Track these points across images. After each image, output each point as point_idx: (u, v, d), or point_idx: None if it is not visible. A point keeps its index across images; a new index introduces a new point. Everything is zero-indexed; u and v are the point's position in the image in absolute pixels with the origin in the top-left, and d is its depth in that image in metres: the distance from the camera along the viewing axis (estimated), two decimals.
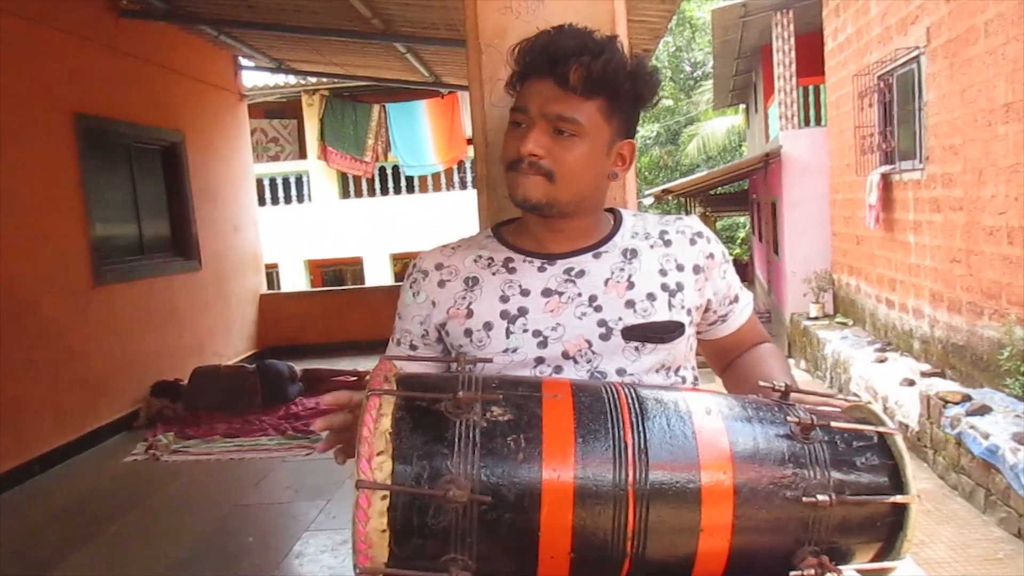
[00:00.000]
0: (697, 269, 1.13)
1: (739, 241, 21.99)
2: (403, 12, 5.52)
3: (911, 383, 6.08)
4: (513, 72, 1.10)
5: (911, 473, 0.83)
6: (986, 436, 4.58)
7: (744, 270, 17.45)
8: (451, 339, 1.12)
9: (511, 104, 1.09)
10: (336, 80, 9.55)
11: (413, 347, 1.17)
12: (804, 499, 0.79)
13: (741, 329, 1.22)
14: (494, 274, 1.12)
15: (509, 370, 1.07)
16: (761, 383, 0.93)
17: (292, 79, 10.52)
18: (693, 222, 1.18)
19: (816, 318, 9.48)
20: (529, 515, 0.76)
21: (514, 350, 1.06)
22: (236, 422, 5.05)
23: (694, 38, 23.36)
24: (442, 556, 0.76)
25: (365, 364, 6.43)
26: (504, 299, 1.09)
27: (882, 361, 7.04)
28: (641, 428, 0.80)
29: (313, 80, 10.44)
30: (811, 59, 10.22)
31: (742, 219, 20.74)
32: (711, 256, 1.15)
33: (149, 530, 3.54)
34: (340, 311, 7.95)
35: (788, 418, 0.83)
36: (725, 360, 1.26)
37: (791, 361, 7.71)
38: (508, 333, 1.07)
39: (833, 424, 0.83)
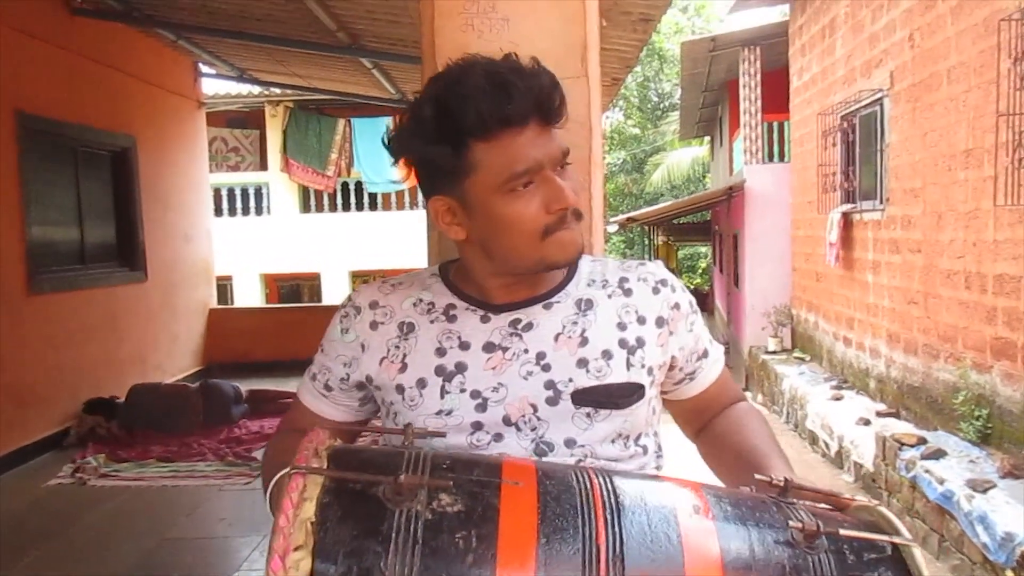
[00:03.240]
0: (660, 322, 0.99)
1: (700, 271, 22.19)
2: (369, 26, 5.38)
3: (867, 422, 6.07)
4: (450, 129, 0.87)
5: None
6: (941, 481, 4.55)
7: (704, 300, 17.55)
8: (382, 393, 0.98)
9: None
10: (300, 92, 9.36)
11: (328, 388, 1.02)
12: None
13: (711, 388, 1.09)
14: (432, 322, 0.97)
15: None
16: (758, 476, 0.79)
17: (256, 88, 10.28)
18: (657, 269, 1.04)
19: (774, 352, 9.50)
20: None
21: (448, 412, 0.92)
22: (173, 444, 4.78)
23: (662, 69, 23.69)
24: None
25: None
26: (440, 352, 0.95)
27: (838, 399, 7.04)
28: (617, 528, 0.66)
29: (277, 91, 10.23)
30: (777, 95, 10.35)
31: (704, 249, 20.95)
32: (676, 307, 1.01)
33: (66, 564, 3.28)
34: (293, 329, 7.68)
35: (790, 523, 0.70)
36: (697, 423, 1.12)
37: (748, 394, 7.68)
38: (443, 392, 0.93)
39: (842, 532, 0.70)
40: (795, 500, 0.77)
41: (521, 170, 0.88)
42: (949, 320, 5.49)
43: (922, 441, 5.17)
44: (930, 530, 4.68)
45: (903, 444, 5.19)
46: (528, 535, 0.65)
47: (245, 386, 5.76)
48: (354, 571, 0.61)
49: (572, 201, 0.89)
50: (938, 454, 4.88)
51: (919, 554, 0.71)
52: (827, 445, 6.61)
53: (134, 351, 6.12)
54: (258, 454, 4.62)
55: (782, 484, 0.77)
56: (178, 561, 3.29)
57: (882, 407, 6.50)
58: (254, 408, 5.58)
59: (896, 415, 6.25)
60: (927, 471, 4.73)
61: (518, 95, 0.85)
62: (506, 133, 0.86)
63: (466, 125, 0.86)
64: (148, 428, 5.04)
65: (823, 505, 0.81)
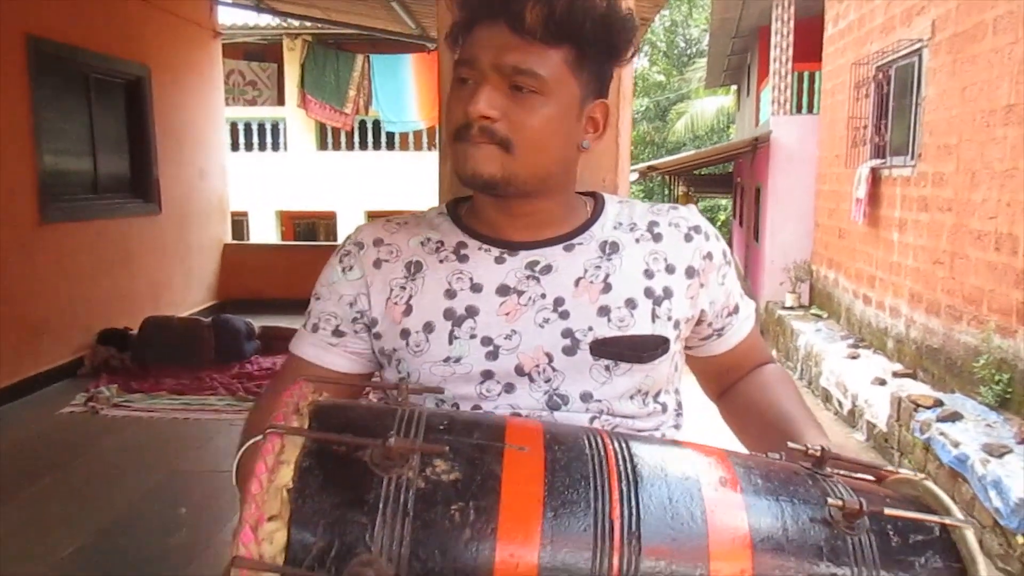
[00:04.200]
0: (691, 272, 0.91)
1: (719, 224, 21.93)
2: None
3: (882, 382, 6.00)
4: (456, 19, 0.86)
5: None
6: (956, 444, 4.49)
7: None
8: (382, 342, 0.89)
9: None
10: (319, 25, 9.11)
11: (339, 333, 0.92)
12: None
13: (740, 346, 1.00)
14: (441, 261, 0.89)
15: (450, 384, 0.84)
16: (791, 445, 0.71)
17: (274, 21, 10.04)
18: (690, 214, 0.95)
19: (791, 308, 9.40)
20: None
21: (457, 360, 0.84)
22: (185, 378, 4.80)
23: (691, 14, 22.98)
24: None
25: None
26: (450, 294, 0.87)
27: (854, 358, 6.96)
28: (634, 501, 0.59)
29: (296, 24, 9.98)
30: (809, 44, 9.99)
31: (724, 202, 20.66)
32: (709, 256, 0.92)
33: (77, 492, 3.30)
34: (307, 267, 7.49)
35: (828, 499, 0.62)
36: (721, 383, 1.04)
37: None
38: (452, 338, 0.85)
39: (886, 511, 0.62)
40: (832, 472, 0.69)
41: (461, 58, 0.85)
42: (975, 282, 5.35)
43: (938, 403, 5.09)
44: None
45: (919, 405, 5.12)
46: (533, 508, 0.57)
47: (258, 323, 5.75)
48: (335, 545, 0.54)
49: (476, 111, 0.80)
50: (954, 417, 4.81)
51: (972, 536, 0.63)
52: (840, 404, 6.56)
53: (147, 284, 6.11)
54: None
55: (818, 454, 0.70)
56: (187, 493, 3.30)
57: (899, 367, 6.42)
58: (266, 345, 5.57)
59: (913, 376, 6.17)
60: (942, 433, 4.67)
61: None
62: (475, 26, 0.84)
63: (463, 16, 0.86)
64: (160, 361, 5.05)
65: (862, 476, 0.73)
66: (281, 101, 12.00)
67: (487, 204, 0.90)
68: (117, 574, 2.66)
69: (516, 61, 0.80)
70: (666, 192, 17.95)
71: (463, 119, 0.82)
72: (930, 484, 0.68)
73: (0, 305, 4.41)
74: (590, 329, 0.85)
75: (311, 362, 0.93)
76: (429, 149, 11.76)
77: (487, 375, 0.85)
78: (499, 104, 0.81)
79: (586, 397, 0.85)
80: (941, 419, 4.83)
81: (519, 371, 0.85)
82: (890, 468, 0.73)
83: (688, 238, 0.92)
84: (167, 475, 3.47)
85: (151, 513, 3.11)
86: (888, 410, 5.59)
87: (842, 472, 0.71)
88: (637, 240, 0.91)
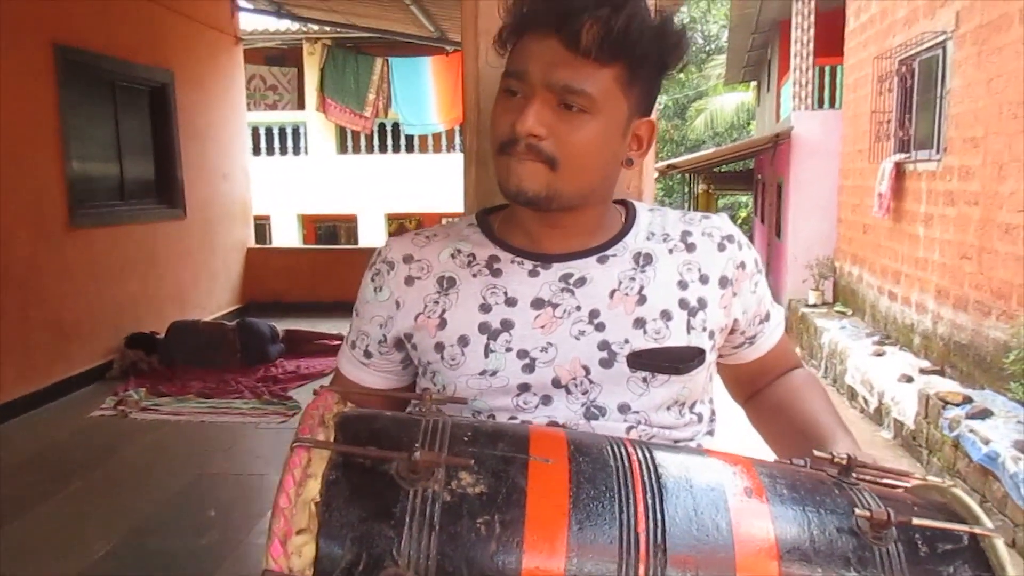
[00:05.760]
0: (724, 282, 0.91)
1: (740, 221, 21.75)
2: None
3: (909, 379, 5.92)
4: (505, 24, 0.85)
5: None
6: (986, 441, 4.42)
7: None
8: (419, 353, 0.90)
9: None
10: (339, 29, 9.18)
11: (368, 354, 0.95)
12: None
13: (771, 353, 1.01)
14: (474, 275, 0.89)
15: (487, 397, 0.85)
16: (817, 452, 0.71)
17: (294, 25, 10.13)
18: (722, 223, 0.95)
19: (815, 305, 9.30)
20: None
21: (493, 373, 0.85)
22: (211, 381, 4.86)
23: (709, 10, 22.82)
24: None
25: None
26: (485, 308, 0.87)
27: (880, 355, 6.87)
28: (659, 513, 0.59)
29: (315, 28, 10.05)
30: (830, 38, 9.88)
31: (744, 198, 20.49)
32: (742, 266, 0.93)
33: (108, 493, 3.37)
34: (329, 270, 7.70)
35: (856, 509, 0.62)
36: (750, 388, 1.05)
37: None
38: (488, 351, 0.85)
39: (915, 521, 0.61)
40: (858, 480, 0.69)
41: (509, 69, 0.84)
42: (1004, 276, 5.26)
43: (968, 400, 5.01)
44: (972, 490, 4.58)
45: (947, 402, 5.05)
46: (559, 521, 0.58)
47: (282, 326, 5.82)
48: (363, 558, 0.55)
49: (525, 128, 0.80)
50: (984, 414, 4.73)
51: (1002, 546, 0.63)
52: (866, 401, 6.48)
53: (173, 287, 6.20)
54: (294, 393, 4.67)
55: (845, 461, 0.69)
56: (215, 495, 3.35)
57: (926, 364, 6.33)
58: (290, 348, 5.63)
59: (940, 373, 6.08)
60: (972, 431, 4.60)
61: (542, 1, 0.81)
62: (526, 35, 0.83)
63: (513, 23, 0.85)
64: (187, 364, 5.12)
65: (889, 482, 0.72)
66: (301, 105, 12.10)
67: (525, 216, 0.90)
68: (149, 575, 2.70)
69: (568, 79, 0.80)
70: (686, 190, 17.85)
71: (510, 134, 0.82)
72: (959, 492, 0.67)
73: (32, 309, 4.50)
74: (626, 341, 0.85)
75: (347, 377, 0.97)
76: (448, 151, 11.79)
77: (524, 388, 0.85)
78: (548, 121, 0.81)
79: (624, 408, 0.85)
80: (971, 416, 4.75)
81: (556, 383, 0.85)
82: (918, 475, 0.72)
83: (721, 247, 0.92)
84: (195, 477, 3.52)
85: (181, 515, 3.16)
86: (916, 407, 5.51)
87: (869, 479, 0.70)
88: (670, 250, 0.91)
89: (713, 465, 0.67)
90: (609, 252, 0.90)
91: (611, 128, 0.84)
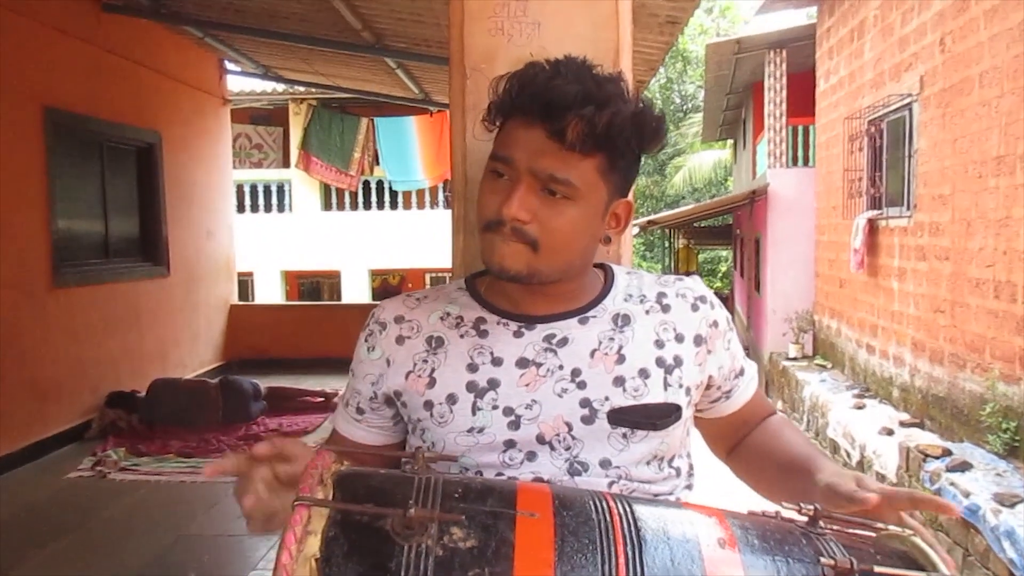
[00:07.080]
0: (699, 340, 0.96)
1: (720, 275, 22.01)
2: (394, 26, 5.38)
3: (890, 432, 5.97)
4: (494, 103, 0.92)
5: None
6: (967, 494, 4.46)
7: (725, 304, 17.38)
8: (408, 411, 0.95)
9: (492, 140, 0.92)
10: (324, 90, 9.39)
11: (360, 411, 0.99)
12: None
13: (747, 405, 1.06)
14: (462, 336, 0.94)
15: (474, 454, 0.89)
16: (785, 505, 0.76)
17: (280, 86, 10.33)
18: (695, 284, 1.02)
19: (795, 359, 9.38)
20: None
21: (480, 430, 0.89)
22: (192, 440, 4.81)
23: (685, 71, 23.53)
24: None
25: (334, 383, 6.21)
26: (472, 368, 0.92)
27: (860, 408, 6.93)
28: (639, 563, 0.63)
29: (301, 89, 10.26)
30: (802, 99, 10.23)
31: (724, 252, 20.78)
32: (715, 324, 0.98)
33: (86, 556, 3.30)
34: (312, 326, 7.71)
35: (821, 559, 0.66)
36: (732, 441, 1.10)
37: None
38: (475, 409, 0.90)
39: (876, 569, 0.66)
40: (825, 530, 0.73)
41: (497, 153, 0.89)
42: (977, 329, 5.38)
43: (947, 453, 5.06)
44: (954, 543, 4.59)
45: (927, 455, 5.09)
46: (545, 573, 0.62)
47: (265, 383, 5.78)
48: None
49: (510, 213, 0.86)
50: (964, 466, 4.78)
51: None
52: (848, 454, 6.51)
53: (155, 345, 6.17)
54: None
55: (811, 512, 0.74)
56: (195, 558, 3.29)
57: (906, 417, 6.39)
58: (273, 405, 5.59)
59: (920, 425, 6.14)
60: (952, 483, 4.64)
61: (529, 97, 0.86)
62: (512, 120, 0.89)
63: (500, 106, 0.91)
64: (168, 423, 5.07)
65: (853, 531, 0.77)
66: (287, 163, 12.26)
67: (509, 285, 0.94)
68: None
69: (553, 169, 0.85)
70: (666, 244, 18.09)
71: (497, 215, 0.87)
72: (918, 540, 0.72)
73: (12, 370, 4.47)
74: (607, 399, 0.89)
75: (343, 435, 1.01)
76: (432, 207, 11.95)
77: (510, 444, 0.89)
78: (532, 207, 0.86)
79: (605, 464, 0.89)
80: (951, 468, 4.80)
81: (540, 440, 0.89)
82: (880, 524, 0.77)
83: (695, 308, 0.98)
84: (175, 539, 3.46)
85: None
86: (897, 460, 5.55)
87: (835, 528, 0.75)
88: (647, 311, 0.96)
89: (689, 517, 0.72)
90: (590, 314, 0.95)
91: (591, 212, 0.90)
